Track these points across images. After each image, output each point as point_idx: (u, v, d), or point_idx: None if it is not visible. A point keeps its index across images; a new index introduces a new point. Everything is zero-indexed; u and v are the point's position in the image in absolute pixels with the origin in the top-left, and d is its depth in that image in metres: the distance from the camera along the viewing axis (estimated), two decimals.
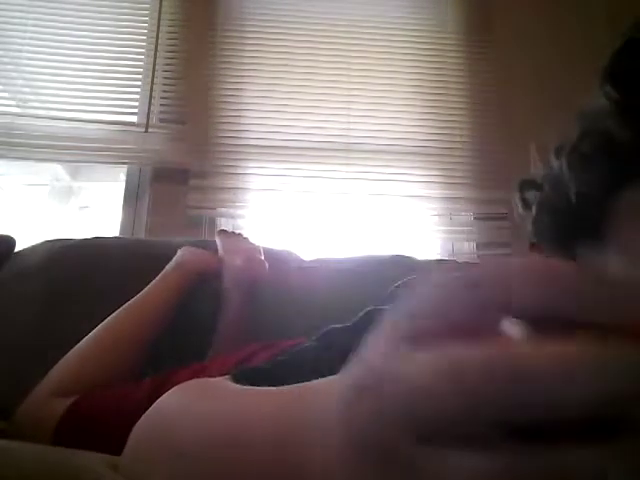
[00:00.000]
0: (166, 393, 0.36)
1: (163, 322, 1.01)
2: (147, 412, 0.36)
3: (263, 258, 1.14)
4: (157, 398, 0.78)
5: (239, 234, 1.27)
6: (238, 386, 0.33)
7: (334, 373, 0.22)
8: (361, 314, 0.50)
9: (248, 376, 0.40)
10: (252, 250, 1.16)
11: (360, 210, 1.69)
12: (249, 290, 1.09)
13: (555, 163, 0.41)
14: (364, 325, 0.44)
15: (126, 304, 1.00)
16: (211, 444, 0.27)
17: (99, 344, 0.93)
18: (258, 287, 1.11)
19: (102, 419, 0.78)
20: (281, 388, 0.27)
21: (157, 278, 1.07)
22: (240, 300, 1.08)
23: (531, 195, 0.45)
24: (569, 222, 0.40)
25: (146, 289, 1.04)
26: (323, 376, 0.25)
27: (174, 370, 0.85)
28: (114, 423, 0.77)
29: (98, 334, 0.93)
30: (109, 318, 0.96)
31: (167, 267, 1.11)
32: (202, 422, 0.29)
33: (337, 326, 0.50)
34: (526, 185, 0.46)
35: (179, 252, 1.16)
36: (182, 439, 0.30)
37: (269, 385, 0.30)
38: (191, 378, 0.79)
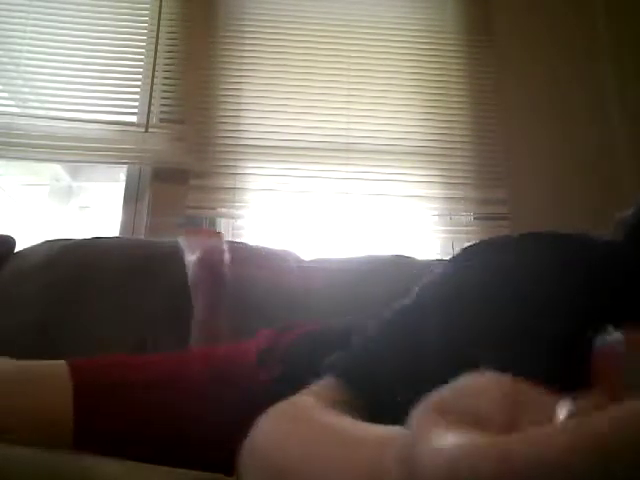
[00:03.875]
0: (278, 419, 0.39)
1: None
2: (257, 441, 0.38)
3: (225, 248, 1.11)
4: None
5: (206, 229, 1.25)
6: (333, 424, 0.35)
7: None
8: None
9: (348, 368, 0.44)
10: (211, 242, 1.13)
11: (360, 210, 1.69)
12: (214, 282, 1.06)
13: None
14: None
15: None
16: None
17: None
18: (224, 276, 1.07)
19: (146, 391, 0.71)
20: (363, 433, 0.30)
21: None
22: (207, 296, 1.05)
23: None
24: None
25: None
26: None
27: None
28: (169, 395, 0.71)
29: None
30: None
31: None
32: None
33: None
34: None
35: None
36: None
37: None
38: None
